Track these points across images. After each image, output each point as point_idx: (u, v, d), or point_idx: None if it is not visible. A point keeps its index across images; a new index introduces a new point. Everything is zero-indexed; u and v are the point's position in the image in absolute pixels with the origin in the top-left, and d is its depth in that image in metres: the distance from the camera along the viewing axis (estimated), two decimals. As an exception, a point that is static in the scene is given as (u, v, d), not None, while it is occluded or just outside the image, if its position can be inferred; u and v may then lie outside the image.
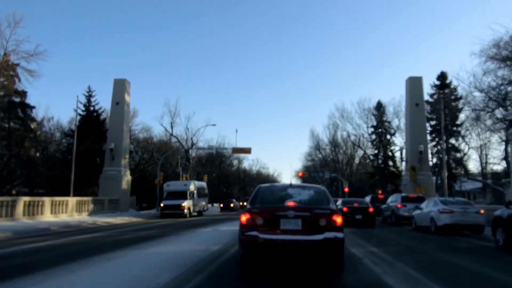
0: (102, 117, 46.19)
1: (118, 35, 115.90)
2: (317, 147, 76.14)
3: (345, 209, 20.69)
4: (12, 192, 41.60)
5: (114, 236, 15.13)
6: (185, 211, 29.34)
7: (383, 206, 26.99)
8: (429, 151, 40.71)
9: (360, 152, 68.25)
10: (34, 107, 40.80)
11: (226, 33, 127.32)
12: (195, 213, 32.65)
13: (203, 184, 39.73)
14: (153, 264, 8.01)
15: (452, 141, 47.42)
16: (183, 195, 30.82)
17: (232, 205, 50.04)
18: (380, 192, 44.98)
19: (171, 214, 28.89)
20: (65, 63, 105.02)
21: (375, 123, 59.94)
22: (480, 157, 50.58)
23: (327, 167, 70.95)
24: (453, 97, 44.52)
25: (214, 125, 78.21)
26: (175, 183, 34.49)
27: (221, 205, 50.81)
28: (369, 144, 62.47)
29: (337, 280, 6.96)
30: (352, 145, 67.78)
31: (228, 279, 7.06)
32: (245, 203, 44.89)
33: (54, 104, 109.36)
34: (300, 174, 71.29)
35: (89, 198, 30.68)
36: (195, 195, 32.91)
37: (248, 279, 7.09)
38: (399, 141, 62.24)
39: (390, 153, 60.31)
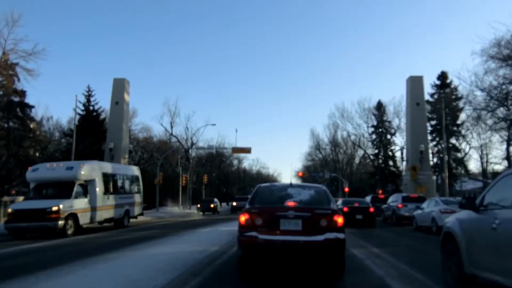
0: (101, 117, 46.15)
1: (118, 35, 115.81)
2: (317, 147, 76.03)
3: (345, 209, 20.54)
4: (12, 192, 41.46)
5: (111, 237, 14.99)
6: (60, 222, 14.68)
7: (384, 206, 26.86)
8: (430, 151, 40.55)
9: (360, 152, 68.13)
10: (33, 107, 40.63)
11: (226, 32, 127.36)
12: (98, 223, 18.07)
13: (128, 169, 23.15)
14: (150, 265, 7.84)
15: (453, 140, 47.24)
16: (64, 189, 16.12)
17: (213, 205, 42.19)
18: (380, 192, 44.84)
19: (29, 230, 14.92)
20: (64, 62, 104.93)
21: (375, 123, 59.80)
22: (481, 156, 50.41)
23: (327, 167, 70.77)
24: (453, 96, 44.37)
25: (214, 124, 77.76)
26: (51, 167, 17.34)
27: (198, 206, 42.78)
28: (370, 144, 62.35)
29: (338, 282, 6.80)
30: (352, 145, 67.61)
31: (226, 281, 6.89)
32: (234, 203, 42.25)
33: (53, 103, 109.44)
34: (300, 174, 71.25)
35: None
36: (96, 190, 17.45)
37: (247, 281, 6.93)
38: (399, 140, 62.18)
39: (390, 153, 60.19)
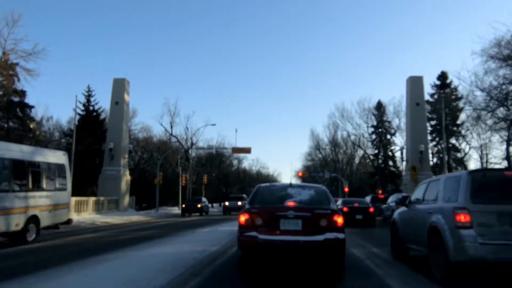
0: (101, 117, 46.21)
1: (118, 35, 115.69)
2: (317, 147, 76.05)
3: (345, 209, 20.52)
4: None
5: (112, 237, 14.98)
6: None
7: (384, 206, 26.82)
8: (430, 151, 40.55)
9: (360, 152, 68.14)
10: (33, 107, 40.62)
11: (225, 32, 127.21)
12: None
13: (41, 153, 14.08)
14: (149, 265, 7.83)
15: (453, 141, 47.27)
16: None
17: (199, 206, 37.10)
18: (380, 192, 44.84)
19: None
20: (64, 62, 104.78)
21: (375, 123, 59.84)
22: (480, 157, 50.43)
23: (327, 167, 70.79)
24: (453, 96, 44.40)
25: (214, 124, 77.42)
26: None
27: (183, 206, 37.57)
28: (369, 144, 62.38)
29: (338, 282, 6.80)
30: (352, 145, 67.62)
31: (226, 281, 6.88)
32: (227, 203, 39.49)
33: (53, 103, 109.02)
34: (300, 174, 71.26)
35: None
36: None
37: (246, 281, 6.92)
38: (399, 141, 62.12)
39: (390, 153, 60.25)
